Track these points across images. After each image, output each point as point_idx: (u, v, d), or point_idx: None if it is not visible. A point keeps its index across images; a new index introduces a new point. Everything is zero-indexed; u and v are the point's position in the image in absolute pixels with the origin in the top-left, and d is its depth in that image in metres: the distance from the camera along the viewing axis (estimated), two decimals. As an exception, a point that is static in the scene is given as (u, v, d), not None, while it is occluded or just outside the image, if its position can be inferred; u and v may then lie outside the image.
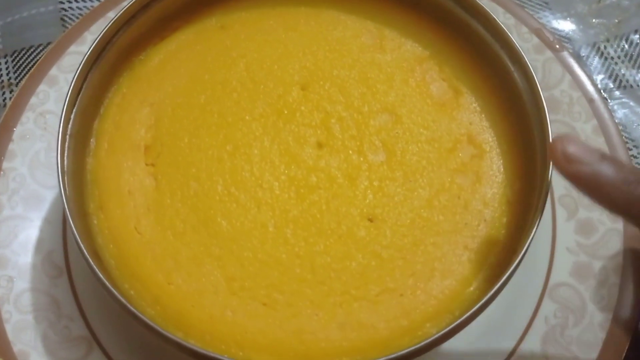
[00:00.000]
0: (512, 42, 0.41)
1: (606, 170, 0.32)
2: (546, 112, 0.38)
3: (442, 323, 0.37)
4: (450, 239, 0.39)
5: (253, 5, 0.46)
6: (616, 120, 0.49)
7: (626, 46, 0.57)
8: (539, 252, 0.45)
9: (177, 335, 0.36)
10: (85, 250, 0.35)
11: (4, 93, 0.54)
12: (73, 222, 0.36)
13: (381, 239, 0.39)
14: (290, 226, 0.39)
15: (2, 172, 0.46)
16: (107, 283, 0.35)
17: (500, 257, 0.38)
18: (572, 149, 0.32)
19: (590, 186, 0.32)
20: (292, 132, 0.41)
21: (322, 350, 0.36)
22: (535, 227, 0.35)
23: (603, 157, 0.32)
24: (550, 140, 0.37)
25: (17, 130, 0.48)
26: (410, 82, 0.43)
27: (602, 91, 0.54)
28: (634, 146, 0.53)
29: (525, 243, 0.35)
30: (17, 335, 0.42)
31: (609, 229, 0.45)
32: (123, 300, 0.34)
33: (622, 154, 0.47)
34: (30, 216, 0.46)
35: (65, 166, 0.38)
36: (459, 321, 0.34)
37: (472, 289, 0.38)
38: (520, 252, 0.35)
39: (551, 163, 0.36)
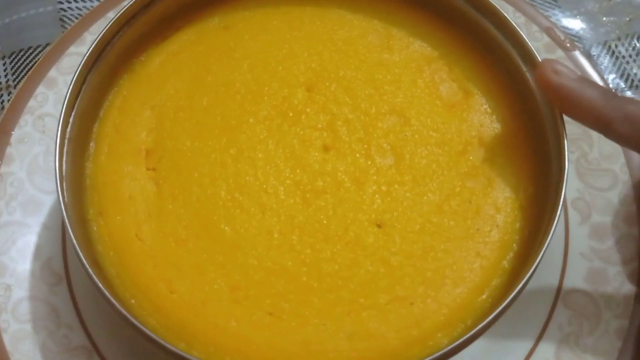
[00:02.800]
0: (524, 41, 0.39)
1: (587, 85, 0.36)
2: (561, 113, 0.37)
3: (454, 332, 0.35)
4: (462, 245, 0.38)
5: (257, 4, 0.44)
6: (629, 121, 0.48)
7: (638, 45, 0.55)
8: (551, 257, 0.43)
9: (180, 347, 0.35)
10: (84, 259, 0.34)
11: (1, 95, 0.52)
12: (72, 230, 0.35)
13: (390, 246, 0.37)
14: (296, 232, 0.38)
15: (-1, 177, 0.45)
16: (107, 293, 0.33)
17: (514, 264, 0.37)
18: (559, 66, 0.36)
19: (572, 98, 0.35)
20: (298, 135, 0.40)
21: (330, 361, 0.35)
22: (551, 234, 0.34)
23: (584, 77, 0.36)
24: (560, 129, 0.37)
25: (15, 134, 0.47)
26: (419, 83, 0.42)
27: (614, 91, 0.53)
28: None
29: (541, 250, 0.34)
30: (15, 345, 0.41)
31: (624, 234, 0.44)
32: (123, 310, 0.33)
33: (636, 156, 0.46)
34: (29, 222, 0.45)
35: (64, 171, 0.37)
36: (473, 332, 0.32)
37: (484, 297, 0.37)
38: (536, 259, 0.34)
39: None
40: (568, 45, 0.50)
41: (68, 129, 0.38)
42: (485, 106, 0.41)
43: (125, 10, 0.41)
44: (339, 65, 0.42)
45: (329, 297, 0.36)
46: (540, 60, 0.38)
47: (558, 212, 0.35)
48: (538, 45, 0.50)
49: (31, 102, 0.48)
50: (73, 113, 0.39)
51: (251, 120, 0.41)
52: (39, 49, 0.54)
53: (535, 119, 0.40)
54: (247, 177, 0.39)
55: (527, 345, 0.41)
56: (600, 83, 0.49)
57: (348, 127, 0.40)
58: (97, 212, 0.39)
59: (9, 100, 0.49)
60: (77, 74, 0.39)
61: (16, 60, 0.54)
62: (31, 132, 0.47)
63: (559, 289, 0.43)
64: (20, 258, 0.43)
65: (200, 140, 0.40)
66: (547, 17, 0.52)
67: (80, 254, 0.34)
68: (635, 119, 0.34)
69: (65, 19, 0.56)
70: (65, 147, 0.38)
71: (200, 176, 0.39)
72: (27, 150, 0.46)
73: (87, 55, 0.39)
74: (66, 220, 0.35)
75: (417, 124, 0.41)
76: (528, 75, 0.40)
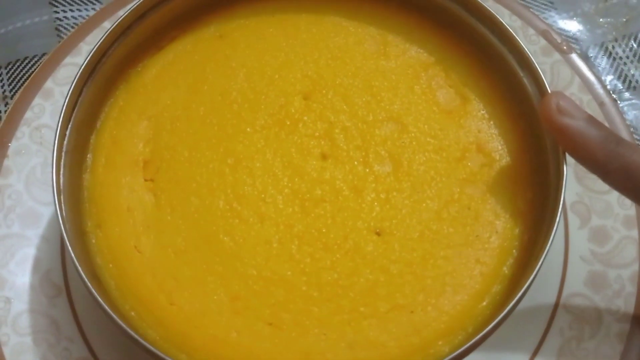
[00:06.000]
0: (520, 45, 0.39)
1: (591, 127, 0.34)
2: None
3: (455, 340, 0.35)
4: (461, 252, 0.37)
5: (252, 13, 0.44)
6: (627, 123, 0.48)
7: (635, 45, 0.55)
8: (551, 261, 0.43)
9: (181, 358, 0.35)
10: (83, 273, 0.34)
11: (-2, 107, 0.52)
12: (70, 243, 0.35)
13: (389, 254, 0.37)
14: (295, 242, 0.38)
15: (-3, 190, 0.45)
16: (106, 306, 0.33)
17: (514, 270, 0.37)
18: (564, 103, 0.35)
19: (575, 140, 0.34)
20: (295, 144, 0.40)
21: (331, 371, 0.35)
22: (551, 239, 0.34)
23: (590, 117, 0.35)
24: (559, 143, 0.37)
25: (12, 146, 0.47)
26: (416, 90, 0.42)
27: (611, 93, 0.52)
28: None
29: (541, 256, 0.34)
30: (15, 358, 0.41)
31: (624, 237, 0.44)
32: (123, 324, 0.33)
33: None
34: (27, 234, 0.44)
35: (62, 183, 0.37)
36: (474, 339, 0.32)
37: (485, 303, 0.36)
38: (536, 265, 0.33)
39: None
40: (565, 47, 0.50)
41: (65, 141, 0.38)
42: (482, 112, 0.41)
43: (121, 20, 0.40)
44: (335, 72, 0.42)
45: (329, 306, 0.36)
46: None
47: (557, 217, 0.35)
48: (535, 48, 0.50)
49: (28, 114, 0.48)
50: (70, 125, 0.39)
51: (248, 129, 0.40)
52: (35, 59, 0.54)
53: (532, 123, 0.39)
54: (245, 187, 0.39)
55: (528, 350, 0.41)
56: (598, 85, 0.49)
57: (346, 134, 0.40)
58: (95, 224, 0.39)
59: (5, 112, 0.49)
60: (73, 85, 0.38)
61: (12, 70, 0.54)
62: (28, 143, 0.47)
63: (560, 293, 0.43)
64: (19, 271, 0.43)
65: (198, 150, 0.40)
66: (543, 20, 0.52)
67: (79, 267, 0.34)
68: (633, 172, 0.33)
69: (61, 28, 0.56)
70: (62, 159, 0.38)
71: (198, 186, 0.39)
72: (25, 162, 0.46)
73: (83, 66, 0.39)
74: (64, 234, 0.35)
75: (414, 130, 0.40)
76: (525, 80, 0.40)
